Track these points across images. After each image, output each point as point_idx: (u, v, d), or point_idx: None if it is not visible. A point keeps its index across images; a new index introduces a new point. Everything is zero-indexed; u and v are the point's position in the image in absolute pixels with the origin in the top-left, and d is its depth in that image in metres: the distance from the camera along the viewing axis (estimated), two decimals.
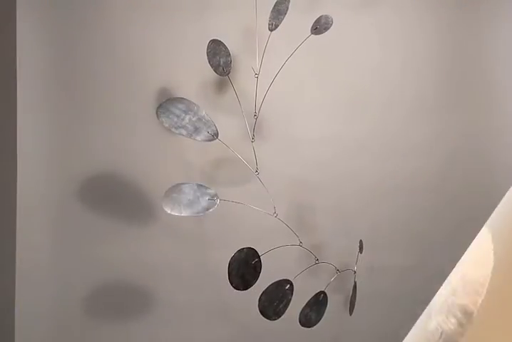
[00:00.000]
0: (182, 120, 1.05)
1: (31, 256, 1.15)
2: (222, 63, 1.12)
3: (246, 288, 1.07)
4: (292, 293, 1.13)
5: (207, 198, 1.04)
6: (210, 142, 1.10)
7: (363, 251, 1.31)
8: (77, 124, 1.20)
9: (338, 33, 1.44)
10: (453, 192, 1.58)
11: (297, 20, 1.39)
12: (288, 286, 1.13)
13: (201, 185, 1.06)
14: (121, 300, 1.23)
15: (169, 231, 1.26)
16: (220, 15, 1.30)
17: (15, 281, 1.13)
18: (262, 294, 1.10)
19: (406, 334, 0.95)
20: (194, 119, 1.06)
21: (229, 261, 1.06)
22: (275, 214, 1.17)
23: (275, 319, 1.12)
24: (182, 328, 1.28)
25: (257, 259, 1.08)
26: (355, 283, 1.29)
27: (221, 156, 1.27)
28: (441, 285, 1.53)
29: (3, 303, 1.15)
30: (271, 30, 1.17)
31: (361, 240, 1.31)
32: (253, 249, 1.08)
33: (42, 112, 1.17)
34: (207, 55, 1.12)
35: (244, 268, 1.07)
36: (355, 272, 1.31)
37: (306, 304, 1.17)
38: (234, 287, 1.06)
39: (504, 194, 1.61)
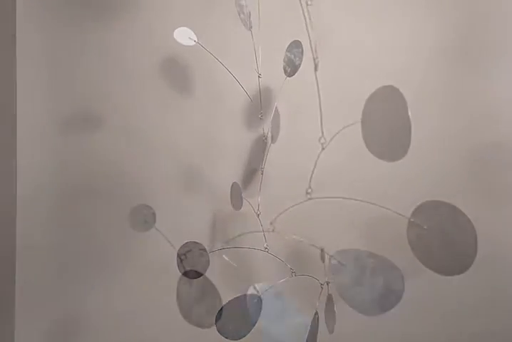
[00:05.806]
0: None
1: (31, 254, 1.15)
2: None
3: None
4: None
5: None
6: None
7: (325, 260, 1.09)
8: (77, 123, 1.20)
9: (338, 33, 1.44)
10: (452, 192, 1.58)
11: (297, 19, 1.38)
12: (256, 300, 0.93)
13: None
14: (121, 300, 1.24)
15: (169, 231, 1.27)
16: (219, 14, 1.29)
17: (15, 281, 1.13)
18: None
19: None
20: None
21: None
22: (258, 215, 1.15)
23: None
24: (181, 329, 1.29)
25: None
26: (330, 295, 1.06)
27: None
28: (439, 286, 1.55)
29: (3, 303, 1.15)
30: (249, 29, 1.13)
31: (322, 248, 1.09)
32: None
33: (43, 113, 1.17)
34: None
35: None
36: (328, 283, 1.08)
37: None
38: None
39: (505, 194, 1.61)
